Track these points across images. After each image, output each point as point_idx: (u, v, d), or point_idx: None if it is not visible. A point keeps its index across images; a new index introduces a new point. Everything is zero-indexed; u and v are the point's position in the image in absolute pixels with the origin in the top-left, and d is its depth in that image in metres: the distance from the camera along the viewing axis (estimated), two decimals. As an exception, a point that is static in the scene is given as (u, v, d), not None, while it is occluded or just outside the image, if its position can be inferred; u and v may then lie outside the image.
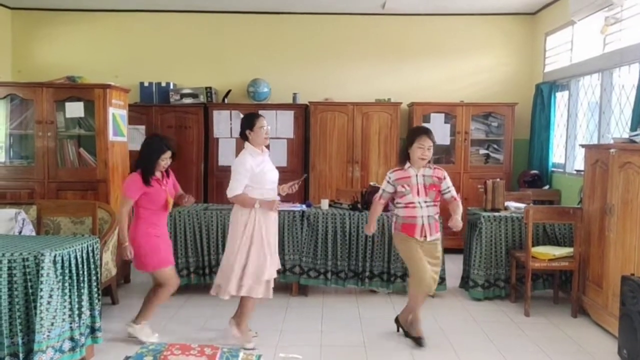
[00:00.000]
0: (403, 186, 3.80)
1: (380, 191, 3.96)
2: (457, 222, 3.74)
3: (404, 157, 3.87)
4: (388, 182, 3.89)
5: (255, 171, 3.73)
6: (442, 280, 4.90)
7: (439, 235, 3.92)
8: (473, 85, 7.35)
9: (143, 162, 3.78)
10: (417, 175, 3.80)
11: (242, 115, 6.86)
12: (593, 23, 5.74)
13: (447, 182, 3.87)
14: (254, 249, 3.70)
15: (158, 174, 3.84)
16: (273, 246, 3.84)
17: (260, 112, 6.81)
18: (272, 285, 3.83)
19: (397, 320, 4.10)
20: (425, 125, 6.78)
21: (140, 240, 3.77)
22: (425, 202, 3.79)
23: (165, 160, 3.82)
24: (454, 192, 3.89)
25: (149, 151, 3.81)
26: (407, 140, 3.89)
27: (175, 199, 3.99)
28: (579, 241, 4.50)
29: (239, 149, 6.92)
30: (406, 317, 4.04)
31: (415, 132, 3.85)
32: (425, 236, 3.79)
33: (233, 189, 3.71)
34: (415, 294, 3.85)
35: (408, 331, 4.00)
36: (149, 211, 3.79)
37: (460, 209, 3.84)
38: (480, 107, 6.95)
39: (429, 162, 3.83)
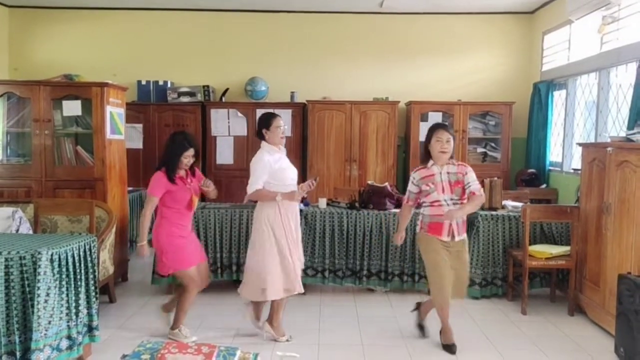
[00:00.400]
0: (427, 185, 3.71)
1: (407, 193, 3.87)
2: (451, 212, 3.58)
3: (426, 156, 3.78)
4: (412, 182, 3.80)
5: (274, 167, 3.78)
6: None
7: (465, 236, 3.77)
8: (471, 84, 7.36)
9: (166, 160, 3.77)
10: (441, 173, 3.70)
11: (239, 114, 6.95)
12: (590, 22, 5.75)
13: (469, 177, 3.68)
14: (291, 245, 3.81)
15: (182, 172, 3.83)
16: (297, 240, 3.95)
17: (258, 110, 6.93)
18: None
19: (417, 306, 4.07)
20: (423, 123, 6.83)
21: (165, 240, 3.75)
22: (452, 199, 3.67)
23: (188, 158, 3.79)
24: (474, 187, 3.67)
25: (171, 149, 3.79)
26: (426, 139, 3.80)
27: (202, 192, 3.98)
28: (576, 240, 4.51)
29: (236, 147, 6.99)
30: (427, 309, 3.98)
31: (432, 128, 3.78)
32: (453, 236, 3.68)
33: (252, 184, 3.75)
34: (438, 303, 3.75)
35: (423, 326, 4.02)
36: (172, 210, 3.76)
37: (474, 204, 3.65)
38: (477, 105, 6.96)
39: (452, 157, 3.74)
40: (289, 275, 3.78)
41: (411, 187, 3.83)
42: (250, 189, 3.76)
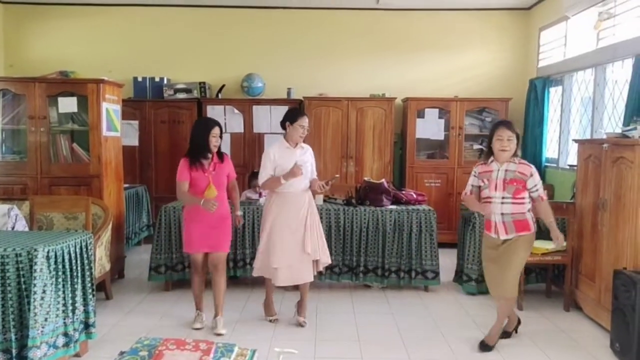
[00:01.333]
0: (483, 180, 3.73)
1: (469, 187, 3.83)
2: (559, 236, 3.70)
3: (489, 152, 3.75)
4: (474, 175, 3.80)
5: (278, 162, 3.97)
6: (436, 274, 4.92)
7: (520, 234, 3.64)
8: (467, 81, 7.36)
9: (193, 142, 3.89)
10: (499, 170, 3.65)
11: (235, 111, 6.93)
12: (586, 18, 5.76)
13: (535, 179, 3.63)
14: (277, 237, 4.00)
15: (208, 157, 3.89)
16: (287, 235, 4.00)
17: (254, 107, 6.93)
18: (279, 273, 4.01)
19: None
20: (420, 120, 6.83)
21: (184, 219, 4.07)
22: (503, 197, 3.61)
23: (216, 137, 3.88)
24: (541, 191, 3.68)
25: (197, 131, 3.91)
26: (489, 136, 3.78)
27: (228, 192, 4.09)
28: (571, 235, 4.52)
29: (233, 144, 6.97)
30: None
31: (494, 126, 3.76)
32: (498, 234, 3.66)
33: (260, 178, 4.05)
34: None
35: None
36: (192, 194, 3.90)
37: (550, 213, 3.74)
38: (474, 102, 6.96)
39: (515, 155, 3.68)
40: (262, 260, 4.04)
41: (472, 180, 3.83)
42: (260, 182, 4.07)
